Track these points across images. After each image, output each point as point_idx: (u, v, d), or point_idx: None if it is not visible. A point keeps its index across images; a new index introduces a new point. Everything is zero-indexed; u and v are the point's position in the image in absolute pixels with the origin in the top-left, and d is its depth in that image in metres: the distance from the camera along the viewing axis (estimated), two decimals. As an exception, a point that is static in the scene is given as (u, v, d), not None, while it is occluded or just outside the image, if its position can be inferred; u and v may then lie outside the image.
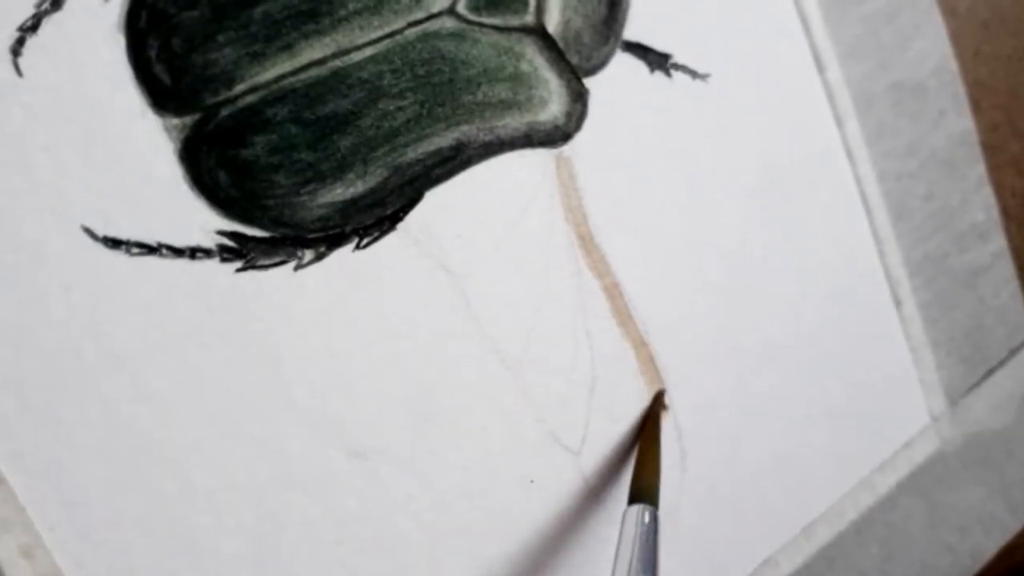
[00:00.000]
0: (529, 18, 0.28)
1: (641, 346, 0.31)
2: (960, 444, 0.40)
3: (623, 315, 0.30)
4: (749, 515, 0.34)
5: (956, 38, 0.38)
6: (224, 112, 0.24)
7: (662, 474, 0.29)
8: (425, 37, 0.26)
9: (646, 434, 0.30)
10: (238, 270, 0.24)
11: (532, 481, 0.28)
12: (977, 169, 0.39)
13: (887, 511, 0.37)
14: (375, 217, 0.26)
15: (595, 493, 0.30)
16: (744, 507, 0.33)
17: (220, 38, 0.23)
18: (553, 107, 0.28)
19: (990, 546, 0.41)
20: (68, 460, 0.22)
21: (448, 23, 0.26)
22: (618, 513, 0.29)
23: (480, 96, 0.27)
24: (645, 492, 0.28)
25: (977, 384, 0.40)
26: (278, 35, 0.24)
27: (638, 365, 0.31)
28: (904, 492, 0.38)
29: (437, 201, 0.27)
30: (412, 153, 0.26)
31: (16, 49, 0.21)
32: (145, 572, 0.23)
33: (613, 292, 0.30)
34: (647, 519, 0.26)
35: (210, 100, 0.23)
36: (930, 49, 0.37)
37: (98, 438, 0.22)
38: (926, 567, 0.39)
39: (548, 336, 0.29)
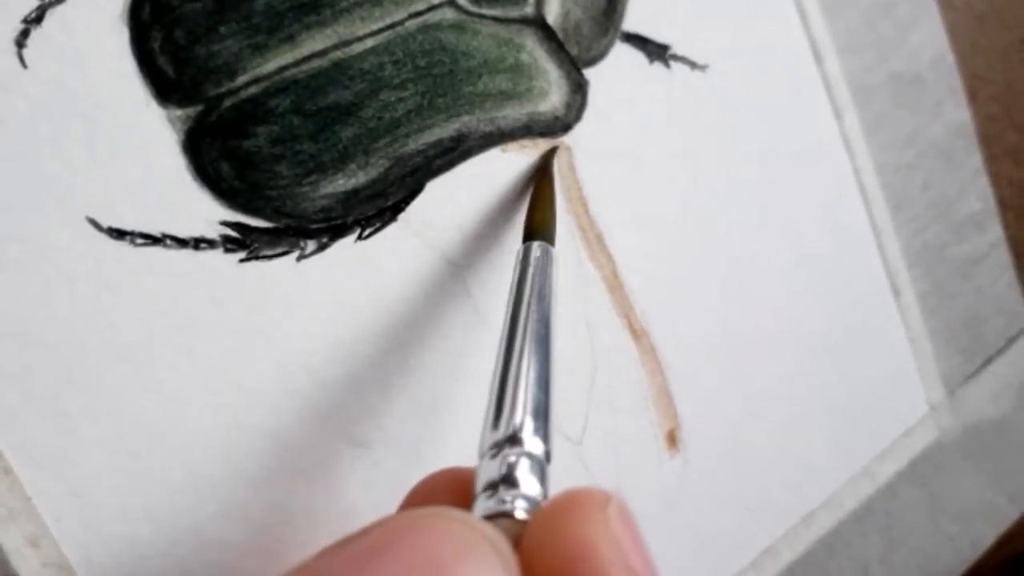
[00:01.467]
0: (529, 9, 0.28)
1: (641, 337, 0.31)
2: (959, 433, 0.40)
3: (623, 306, 0.30)
4: (750, 504, 0.34)
5: (953, 30, 0.38)
6: (227, 103, 0.24)
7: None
8: (426, 28, 0.26)
9: (539, 176, 0.28)
10: (241, 260, 0.24)
11: (534, 470, 0.28)
12: (974, 160, 0.39)
13: (887, 500, 0.37)
14: (377, 208, 0.26)
15: (596, 481, 0.30)
16: (745, 496, 0.34)
17: (223, 29, 0.23)
18: (553, 98, 0.28)
19: (989, 535, 0.41)
20: (74, 451, 0.22)
21: (448, 14, 0.26)
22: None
23: (480, 87, 0.27)
24: (538, 229, 0.26)
25: (975, 373, 0.40)
26: (280, 26, 0.24)
27: (638, 356, 0.31)
28: (904, 481, 0.38)
29: (438, 192, 0.27)
30: (413, 144, 0.26)
31: (20, 41, 0.21)
32: (151, 562, 0.23)
33: (613, 283, 0.30)
34: (538, 253, 0.25)
35: (213, 91, 0.23)
36: (927, 41, 0.37)
37: (103, 429, 0.22)
38: (926, 556, 0.39)
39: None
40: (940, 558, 0.39)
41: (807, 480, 0.35)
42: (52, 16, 0.22)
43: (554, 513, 0.17)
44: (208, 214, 0.23)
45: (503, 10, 0.27)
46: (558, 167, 0.29)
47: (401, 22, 0.26)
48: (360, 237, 0.26)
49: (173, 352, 0.23)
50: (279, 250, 0.24)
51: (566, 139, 0.29)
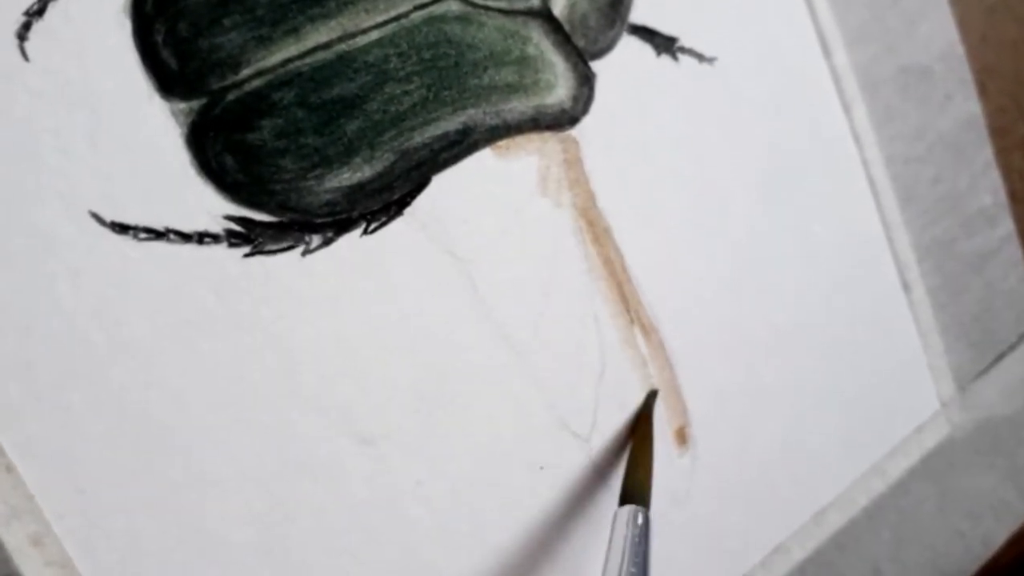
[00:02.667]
0: (535, 1, 0.27)
1: (651, 332, 0.30)
2: (970, 429, 0.39)
3: (632, 301, 0.30)
4: (760, 502, 0.33)
5: (962, 23, 0.38)
6: (231, 96, 0.23)
7: (657, 471, 0.29)
8: (431, 20, 0.26)
9: (638, 433, 0.30)
10: (246, 255, 0.24)
11: (541, 467, 0.28)
12: (984, 153, 0.39)
13: (898, 497, 0.37)
14: (382, 202, 0.26)
15: (604, 479, 0.29)
16: (755, 494, 0.33)
17: (226, 22, 0.23)
18: (560, 90, 0.28)
19: (1001, 532, 0.40)
20: (77, 448, 0.22)
21: (454, 6, 0.26)
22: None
23: (486, 80, 0.27)
24: (636, 493, 0.27)
25: (986, 369, 0.40)
26: (284, 19, 0.24)
27: (648, 352, 0.30)
28: (915, 478, 0.38)
29: (444, 186, 0.26)
30: (419, 137, 0.26)
31: (22, 34, 0.21)
32: (155, 560, 0.23)
33: (622, 277, 0.30)
34: (639, 520, 0.26)
35: (216, 84, 0.23)
36: (936, 33, 0.37)
37: (107, 425, 0.22)
38: (937, 553, 0.38)
39: (557, 322, 0.29)
40: (952, 556, 0.39)
41: (818, 477, 0.35)
42: (54, 9, 0.21)
43: None
44: (212, 208, 0.23)
45: (509, 2, 0.27)
46: (566, 162, 0.28)
47: (406, 14, 0.25)
48: (366, 231, 0.25)
49: (177, 347, 0.23)
50: (284, 244, 0.24)
51: (573, 132, 0.28)
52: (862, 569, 0.36)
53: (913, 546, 0.38)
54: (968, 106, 0.38)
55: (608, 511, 0.29)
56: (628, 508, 0.26)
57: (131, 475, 0.22)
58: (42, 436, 0.21)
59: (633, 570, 0.25)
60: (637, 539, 0.25)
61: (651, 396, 0.30)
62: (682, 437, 0.31)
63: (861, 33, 0.35)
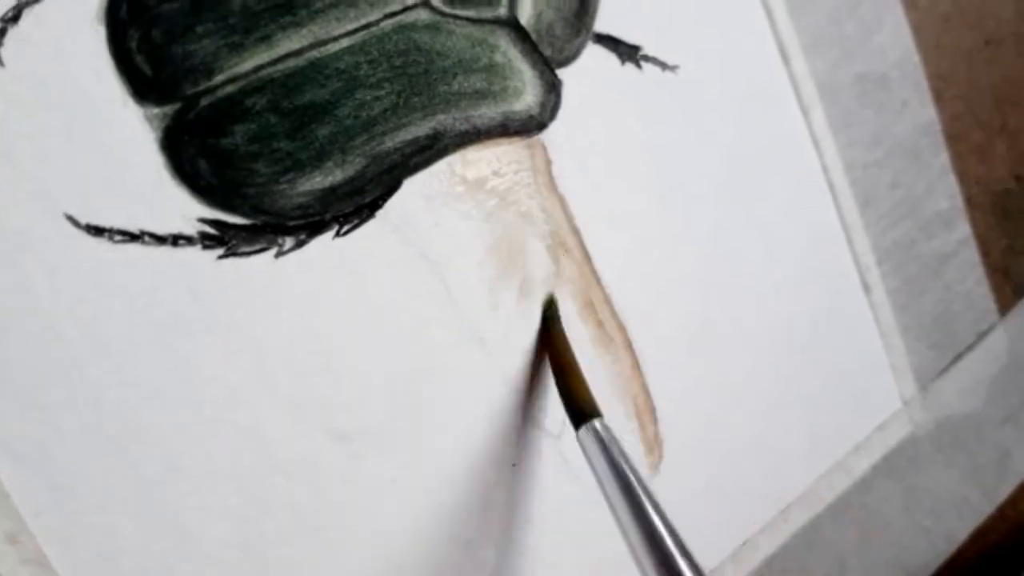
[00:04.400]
0: (502, 11, 0.28)
1: (619, 331, 0.31)
2: (932, 428, 0.40)
3: (600, 301, 0.31)
4: (728, 498, 0.34)
5: (918, 31, 0.39)
6: (204, 102, 0.24)
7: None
8: (401, 29, 0.26)
9: (557, 351, 0.29)
10: (220, 257, 0.24)
11: (514, 464, 0.29)
12: (941, 158, 0.40)
13: (863, 493, 0.38)
14: (354, 205, 0.26)
15: (576, 476, 0.30)
16: (723, 490, 0.34)
17: (199, 29, 0.24)
18: (527, 97, 0.29)
19: (964, 529, 0.41)
20: (53, 445, 0.22)
21: (423, 15, 0.27)
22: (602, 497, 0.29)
23: (455, 86, 0.27)
24: (585, 409, 0.27)
25: (946, 368, 0.41)
26: (256, 26, 0.24)
27: (617, 350, 0.31)
28: (879, 475, 0.39)
29: (416, 189, 0.27)
30: (390, 142, 0.26)
31: (-3, 39, 0.21)
32: (131, 557, 0.23)
33: (591, 279, 0.30)
34: (602, 432, 0.26)
35: (190, 90, 0.24)
36: (892, 41, 0.38)
37: (83, 423, 0.22)
38: (902, 549, 0.39)
39: (528, 323, 0.29)
40: (916, 551, 0.40)
41: (784, 473, 0.36)
42: (29, 15, 0.22)
43: None
44: (186, 211, 0.24)
45: (476, 11, 0.28)
46: (534, 167, 0.29)
47: (376, 22, 0.26)
48: (338, 234, 0.26)
49: (153, 347, 0.23)
50: (257, 247, 0.25)
51: (541, 137, 0.29)
52: (828, 564, 0.37)
53: (878, 542, 0.38)
54: (924, 112, 0.39)
55: (581, 509, 0.30)
56: (588, 428, 0.26)
57: (107, 472, 0.23)
58: (18, 434, 0.22)
59: (628, 473, 0.24)
60: (612, 449, 0.25)
61: (549, 303, 0.30)
62: (652, 449, 0.32)
63: (819, 40, 0.36)
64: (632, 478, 0.24)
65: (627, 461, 0.24)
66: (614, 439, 0.25)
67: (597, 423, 0.26)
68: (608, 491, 0.24)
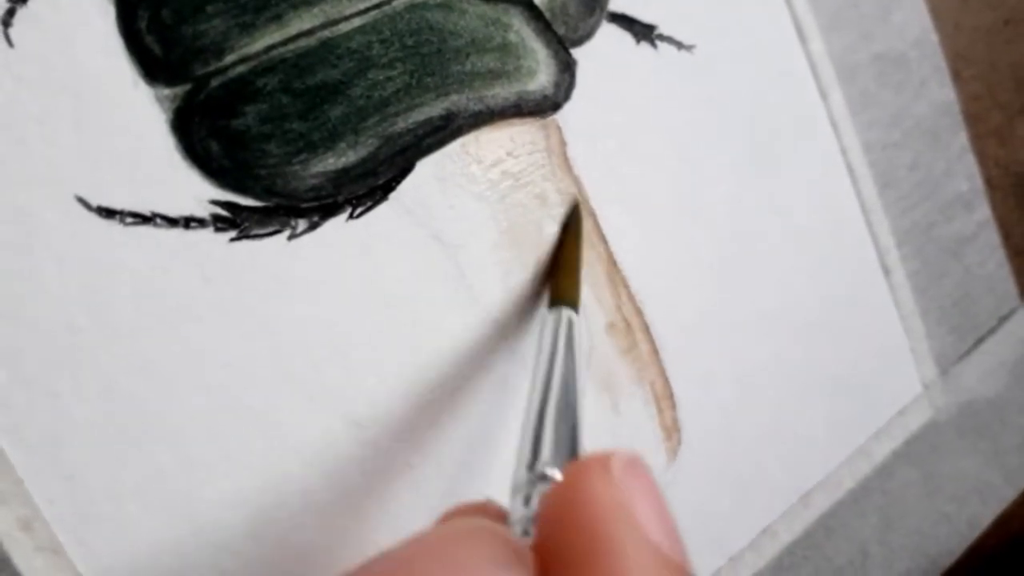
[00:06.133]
0: (515, -11, 0.28)
1: (636, 315, 0.31)
2: (953, 413, 0.40)
3: (618, 285, 0.30)
4: (747, 485, 0.34)
5: (936, 10, 0.39)
6: (215, 82, 0.24)
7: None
8: (413, 8, 0.26)
9: (567, 238, 0.29)
10: (232, 240, 0.24)
11: (531, 450, 0.28)
12: (960, 139, 0.39)
13: (884, 480, 0.37)
14: (367, 187, 0.26)
15: (594, 462, 0.30)
16: (742, 477, 0.33)
17: (209, 9, 0.23)
18: (541, 77, 0.28)
19: (987, 515, 0.41)
20: (66, 433, 0.22)
21: (435, -7, 0.26)
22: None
23: (469, 66, 0.27)
24: (566, 295, 0.27)
25: (967, 353, 0.41)
26: (267, 6, 0.24)
27: (634, 334, 0.31)
28: (900, 461, 0.38)
29: (429, 171, 0.27)
30: (402, 123, 0.26)
31: (6, 20, 0.21)
32: (145, 544, 0.23)
33: (608, 262, 0.30)
34: (569, 322, 0.25)
35: (201, 71, 0.23)
36: (911, 21, 0.37)
37: (95, 410, 0.22)
38: (924, 536, 0.39)
39: (543, 307, 0.29)
40: (938, 538, 0.39)
41: (804, 460, 0.35)
42: (38, -5, 0.21)
43: (557, 498, 0.16)
44: (198, 193, 0.23)
45: (489, -10, 0.27)
46: (549, 148, 0.29)
47: (388, 1, 0.26)
48: (351, 216, 0.25)
49: (164, 332, 0.23)
50: (270, 229, 0.24)
51: (556, 118, 0.29)
52: (850, 552, 0.36)
53: (900, 529, 0.38)
54: (943, 93, 0.39)
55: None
56: (558, 310, 0.26)
57: (120, 460, 0.22)
58: (31, 421, 0.21)
59: (563, 374, 0.23)
60: (566, 342, 0.24)
61: (576, 207, 0.29)
62: (670, 435, 0.32)
63: (837, 20, 0.35)
64: (562, 370, 0.23)
65: (572, 356, 0.24)
66: (573, 335, 0.25)
67: (571, 314, 0.25)
68: (538, 371, 0.23)
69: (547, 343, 0.24)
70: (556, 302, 0.26)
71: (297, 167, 0.25)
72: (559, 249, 0.29)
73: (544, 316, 0.26)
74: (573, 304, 0.26)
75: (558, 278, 0.28)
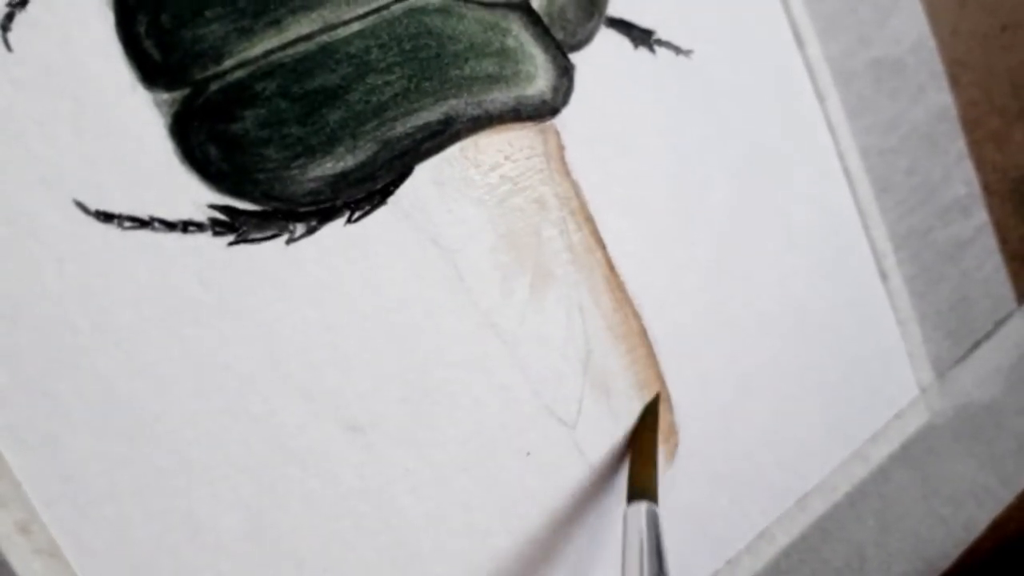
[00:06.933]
0: (514, -6, 0.28)
1: (634, 319, 0.31)
2: (950, 416, 0.40)
3: (615, 289, 0.30)
4: (744, 488, 0.34)
5: (933, 16, 0.39)
6: (213, 87, 0.24)
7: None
8: (411, 12, 0.26)
9: (644, 428, 0.30)
10: (231, 244, 0.24)
11: (528, 454, 0.28)
12: (957, 144, 0.40)
13: (880, 483, 0.38)
14: (366, 191, 0.26)
15: (591, 465, 0.30)
16: (739, 480, 0.34)
17: (208, 14, 0.23)
18: (540, 82, 0.28)
19: (983, 518, 0.41)
20: (64, 435, 0.22)
21: (434, -2, 0.27)
22: (614, 485, 0.29)
23: (467, 71, 0.27)
24: (645, 489, 0.28)
25: (964, 357, 0.41)
26: (265, 11, 0.24)
27: (632, 339, 0.31)
28: (896, 464, 0.38)
29: (427, 175, 0.27)
30: (401, 127, 0.26)
31: (5, 24, 0.21)
32: (143, 547, 0.23)
33: (605, 266, 0.30)
34: (649, 516, 0.26)
35: (199, 75, 0.23)
36: (908, 26, 0.38)
37: (94, 413, 0.22)
38: (921, 539, 0.39)
39: (541, 310, 0.29)
40: (935, 541, 0.39)
41: (800, 462, 0.35)
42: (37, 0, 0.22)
43: None
44: (196, 197, 0.23)
45: (488, -6, 0.27)
46: (547, 153, 0.29)
47: (387, 6, 0.26)
48: (349, 220, 0.26)
49: (163, 335, 0.23)
50: (268, 233, 0.24)
51: (554, 123, 0.29)
52: (846, 554, 0.36)
53: (896, 532, 0.38)
54: (940, 98, 0.39)
55: (596, 495, 0.30)
56: (642, 505, 0.27)
57: (118, 463, 0.22)
58: (29, 423, 0.21)
59: (651, 566, 0.25)
60: (650, 534, 0.26)
61: (656, 397, 0.31)
62: (668, 441, 0.32)
63: (834, 25, 0.35)
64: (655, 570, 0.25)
65: (661, 552, 0.25)
66: (658, 529, 0.26)
67: (652, 505, 0.27)
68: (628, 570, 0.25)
69: (633, 541, 0.25)
70: (636, 496, 0.27)
71: (295, 171, 0.25)
72: (635, 439, 0.30)
73: (625, 512, 0.27)
74: (654, 497, 0.27)
75: (635, 470, 0.29)
